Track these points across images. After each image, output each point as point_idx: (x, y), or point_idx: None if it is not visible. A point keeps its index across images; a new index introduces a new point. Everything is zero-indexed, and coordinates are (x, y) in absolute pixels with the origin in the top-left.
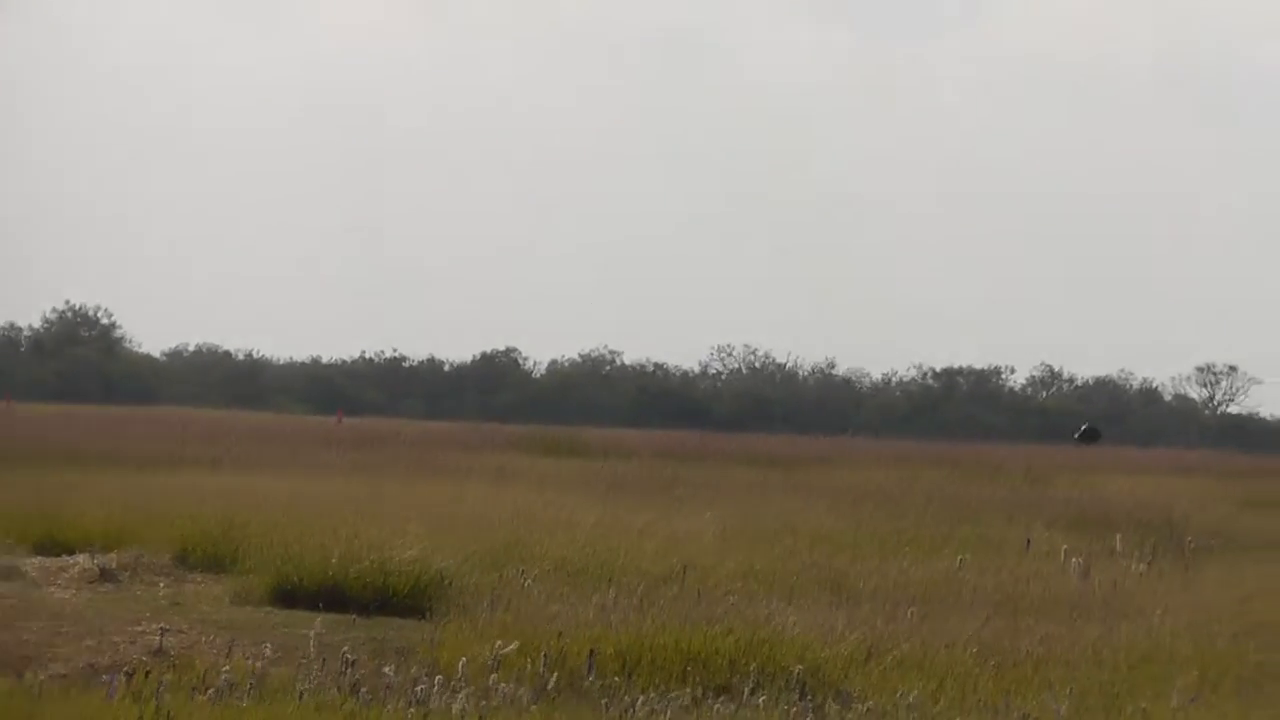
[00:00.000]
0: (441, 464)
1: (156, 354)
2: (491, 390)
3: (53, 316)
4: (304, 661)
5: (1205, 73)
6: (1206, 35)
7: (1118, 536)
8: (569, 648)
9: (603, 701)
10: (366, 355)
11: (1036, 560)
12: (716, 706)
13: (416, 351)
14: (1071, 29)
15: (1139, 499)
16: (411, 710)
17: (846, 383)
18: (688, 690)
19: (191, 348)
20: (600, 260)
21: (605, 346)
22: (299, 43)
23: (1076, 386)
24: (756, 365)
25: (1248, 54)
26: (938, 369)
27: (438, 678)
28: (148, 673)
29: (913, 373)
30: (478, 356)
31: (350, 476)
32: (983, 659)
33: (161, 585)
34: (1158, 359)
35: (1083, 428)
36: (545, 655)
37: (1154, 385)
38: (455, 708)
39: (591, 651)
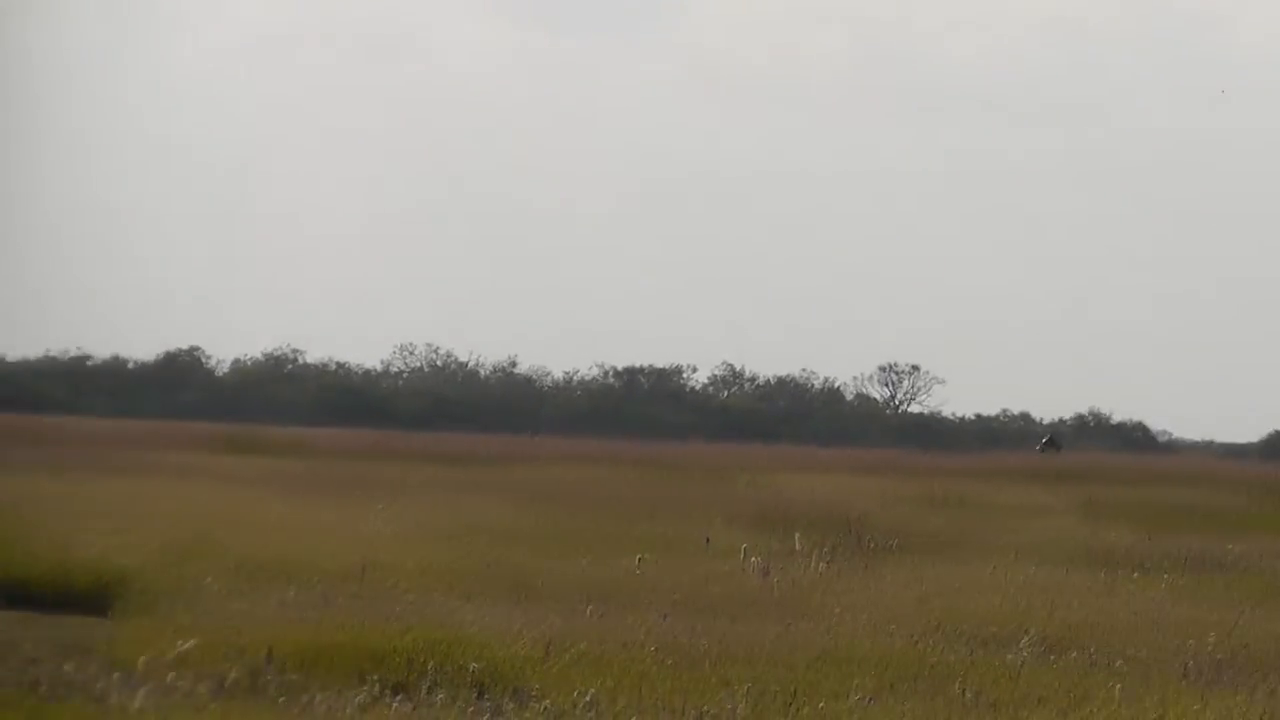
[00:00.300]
0: (125, 462)
1: None
2: (174, 388)
3: None
4: None
5: (899, 71)
6: (895, 35)
7: (797, 535)
8: (248, 645)
9: (280, 699)
10: (50, 353)
11: (716, 559)
12: (395, 705)
13: (99, 349)
14: (763, 30)
15: (820, 498)
16: (92, 707)
17: (528, 381)
18: (365, 688)
19: None
20: (285, 257)
21: (288, 345)
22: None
23: (758, 385)
24: (439, 364)
25: (939, 51)
26: (619, 367)
27: (117, 674)
28: None
29: (595, 371)
30: (160, 355)
31: (33, 475)
32: (661, 657)
33: None
34: (840, 358)
35: (1045, 439)
36: (225, 653)
37: (836, 385)
38: (135, 704)
39: (269, 649)
